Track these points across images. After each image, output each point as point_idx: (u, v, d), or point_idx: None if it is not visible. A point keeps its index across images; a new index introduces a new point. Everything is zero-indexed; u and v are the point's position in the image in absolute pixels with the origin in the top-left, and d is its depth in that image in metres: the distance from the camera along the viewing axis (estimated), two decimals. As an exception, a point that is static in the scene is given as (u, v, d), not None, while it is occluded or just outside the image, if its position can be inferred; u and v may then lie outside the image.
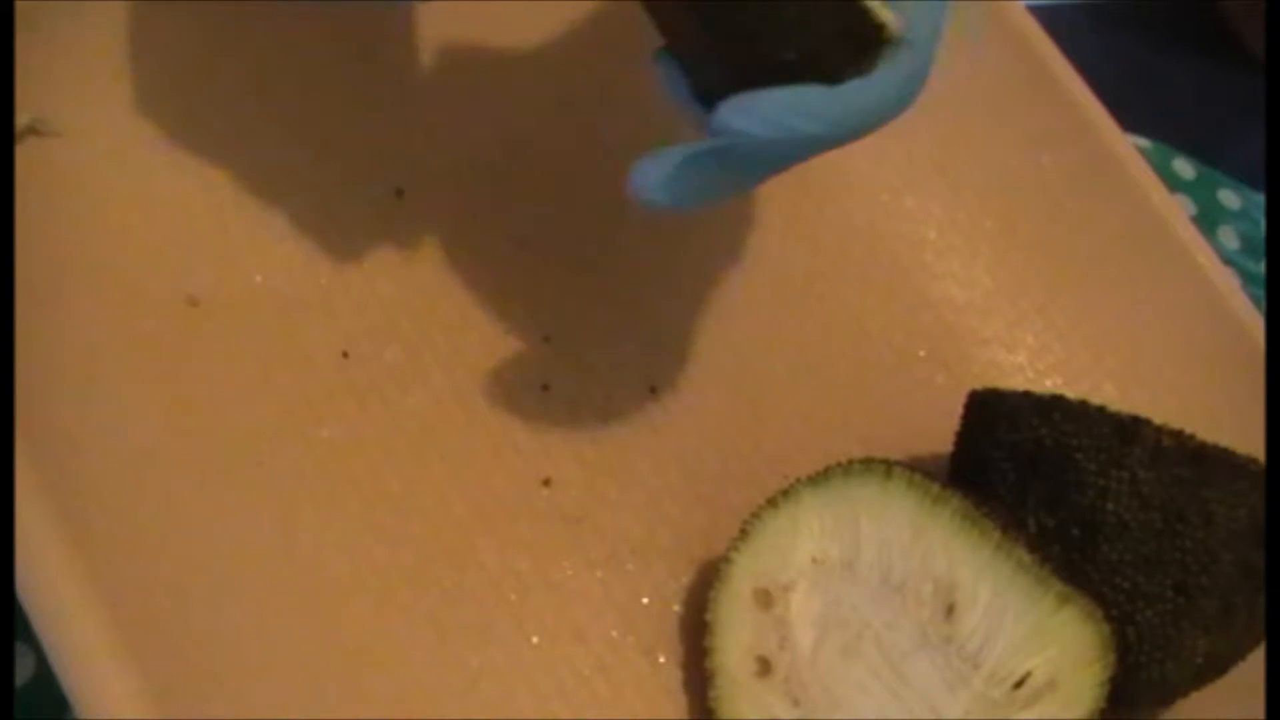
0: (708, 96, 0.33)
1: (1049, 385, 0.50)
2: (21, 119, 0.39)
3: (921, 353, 0.49)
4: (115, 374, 0.38)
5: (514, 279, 0.44)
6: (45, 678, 0.39)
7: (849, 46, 0.32)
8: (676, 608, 0.41)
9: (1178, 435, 0.40)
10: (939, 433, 0.46)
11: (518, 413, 0.42)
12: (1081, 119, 0.52)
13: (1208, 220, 0.65)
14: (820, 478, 0.40)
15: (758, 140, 0.31)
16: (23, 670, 0.39)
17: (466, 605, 0.39)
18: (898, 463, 0.39)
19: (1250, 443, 0.42)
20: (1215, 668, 0.41)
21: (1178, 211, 0.51)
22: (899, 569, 0.38)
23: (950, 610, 0.37)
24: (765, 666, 0.38)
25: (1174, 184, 0.65)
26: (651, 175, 0.33)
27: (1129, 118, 0.54)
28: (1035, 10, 0.53)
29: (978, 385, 0.44)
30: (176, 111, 0.42)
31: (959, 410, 0.44)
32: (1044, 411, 0.41)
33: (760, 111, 0.31)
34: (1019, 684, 0.37)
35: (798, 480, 0.40)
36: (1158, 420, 0.40)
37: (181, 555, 0.36)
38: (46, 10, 0.40)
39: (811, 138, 0.32)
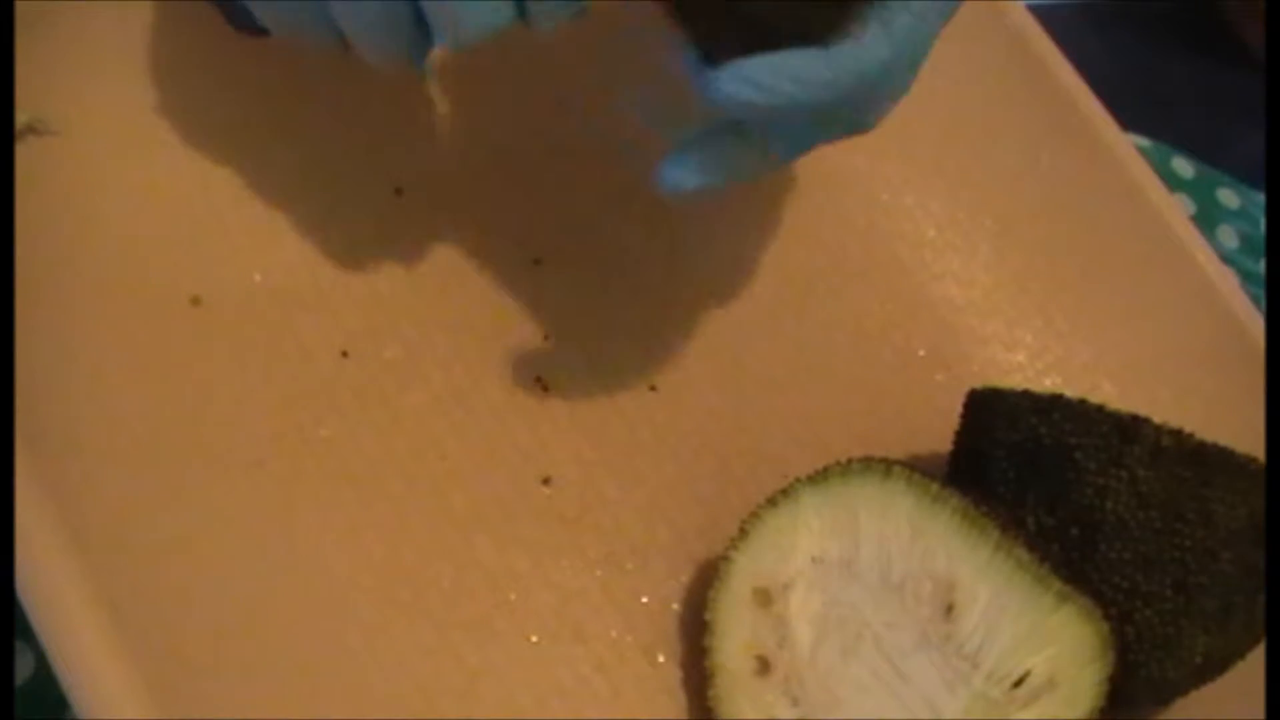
0: (712, 64, 0.33)
1: (1048, 384, 0.50)
2: (21, 119, 0.39)
3: (921, 352, 0.49)
4: (115, 373, 0.38)
5: (513, 278, 0.44)
6: (45, 678, 0.39)
7: (828, 8, 0.32)
8: (676, 607, 0.41)
9: (1177, 434, 0.39)
10: (938, 432, 0.46)
11: (517, 412, 0.42)
12: (1081, 119, 0.52)
13: (1207, 219, 0.65)
14: (819, 477, 0.40)
15: (759, 109, 0.32)
16: (23, 670, 0.39)
17: (466, 605, 0.39)
18: (897, 462, 0.39)
19: (1250, 442, 0.41)
20: (1214, 667, 0.41)
21: (1177, 210, 0.51)
22: (898, 568, 0.38)
23: (949, 609, 0.37)
24: (764, 665, 0.38)
25: (1173, 183, 0.65)
26: (675, 161, 0.34)
27: (1129, 117, 0.54)
28: (1035, 10, 0.53)
29: (977, 384, 0.44)
30: (176, 111, 0.42)
31: (958, 409, 0.44)
32: (1043, 410, 0.40)
33: (751, 77, 0.32)
34: (1018, 683, 0.37)
35: (797, 480, 0.40)
36: (1157, 419, 0.40)
37: (181, 555, 0.36)
38: (46, 10, 0.40)
39: (809, 104, 0.32)
